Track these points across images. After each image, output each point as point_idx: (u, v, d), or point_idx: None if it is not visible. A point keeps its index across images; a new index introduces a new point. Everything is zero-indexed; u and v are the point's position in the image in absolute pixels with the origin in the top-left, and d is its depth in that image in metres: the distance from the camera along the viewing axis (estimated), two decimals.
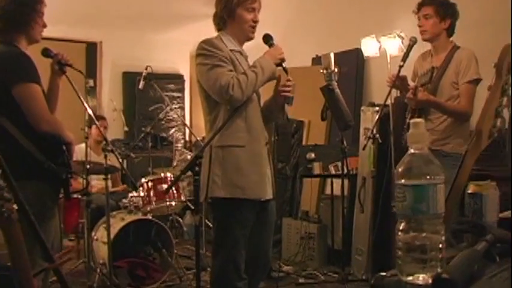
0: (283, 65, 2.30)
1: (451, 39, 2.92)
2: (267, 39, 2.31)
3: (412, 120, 0.93)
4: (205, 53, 2.09)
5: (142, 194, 3.76)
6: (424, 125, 0.94)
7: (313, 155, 4.33)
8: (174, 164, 4.81)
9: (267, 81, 2.15)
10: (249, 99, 2.09)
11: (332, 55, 2.66)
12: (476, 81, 2.78)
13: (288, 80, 2.23)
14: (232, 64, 2.09)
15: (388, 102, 3.24)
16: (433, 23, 2.82)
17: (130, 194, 3.80)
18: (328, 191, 4.34)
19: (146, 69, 4.64)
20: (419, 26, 2.88)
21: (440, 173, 0.90)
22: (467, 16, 3.06)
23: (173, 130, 6.66)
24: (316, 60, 5.36)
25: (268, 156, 2.22)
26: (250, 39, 2.23)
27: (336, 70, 2.63)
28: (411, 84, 2.95)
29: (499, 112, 1.10)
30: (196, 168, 1.97)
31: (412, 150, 0.91)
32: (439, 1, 2.82)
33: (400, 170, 0.91)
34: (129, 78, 6.59)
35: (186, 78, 6.90)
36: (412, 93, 2.67)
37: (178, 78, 6.87)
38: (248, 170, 2.06)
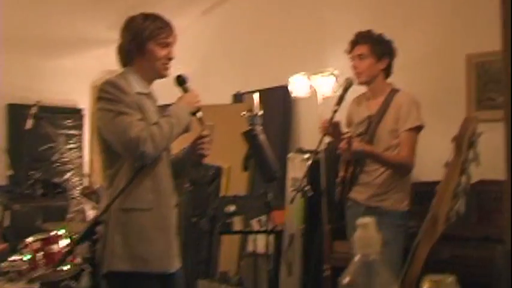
0: (198, 114, 2.10)
1: (388, 80, 2.86)
2: (181, 81, 2.14)
3: (359, 221, 0.87)
4: (108, 96, 1.95)
5: (27, 256, 3.43)
6: (374, 226, 0.87)
7: (233, 208, 4.22)
8: (69, 215, 4.40)
9: (182, 134, 2.08)
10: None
11: (256, 96, 2.66)
12: (418, 129, 2.76)
13: (204, 135, 2.18)
14: (140, 111, 1.98)
15: (320, 149, 3.18)
16: (368, 64, 2.78)
17: (12, 257, 3.47)
18: (250, 248, 4.33)
19: (35, 105, 4.21)
20: (354, 68, 2.83)
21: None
22: (406, 54, 3.08)
23: (69, 174, 6.17)
24: (238, 97, 5.39)
25: (177, 221, 2.18)
26: (162, 77, 2.12)
27: (261, 113, 2.60)
28: (346, 130, 2.92)
29: (457, 193, 1.11)
30: (94, 237, 1.84)
31: (358, 257, 0.87)
32: (375, 38, 2.79)
33: (344, 282, 0.86)
34: (16, 112, 5.94)
35: (86, 112, 6.43)
36: (346, 143, 2.58)
37: (75, 113, 6.37)
38: (154, 237, 2.00)
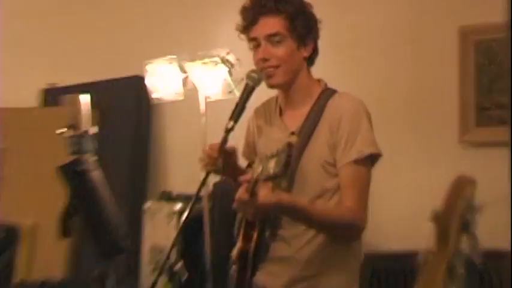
0: None
1: (320, 74, 2.98)
2: None
3: None
4: None
5: None
6: None
7: None
8: None
9: None
10: None
11: (85, 99, 2.64)
12: (371, 159, 2.85)
13: None
14: None
15: (203, 194, 3.32)
16: (287, 51, 2.85)
17: None
18: None
19: None
20: (259, 60, 2.88)
21: None
22: (357, 31, 3.24)
23: None
24: (52, 95, 5.43)
25: None
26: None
27: (94, 131, 2.64)
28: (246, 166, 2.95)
29: None
30: None
31: None
32: (294, 4, 2.86)
33: None
34: None
35: None
36: (246, 191, 2.60)
37: None
38: None
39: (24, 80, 5.61)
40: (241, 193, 2.56)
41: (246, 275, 2.84)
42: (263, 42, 2.79)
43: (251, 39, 2.84)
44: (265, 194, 2.56)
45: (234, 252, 2.92)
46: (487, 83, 3.93)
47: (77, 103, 2.66)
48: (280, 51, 2.79)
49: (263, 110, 3.03)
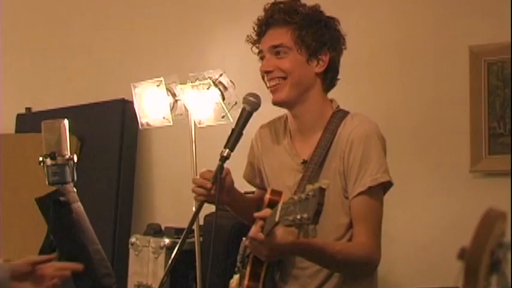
0: None
1: (329, 95, 2.93)
2: None
3: None
4: None
5: None
6: None
7: None
8: None
9: None
10: None
11: (65, 123, 2.64)
12: (383, 188, 2.82)
13: None
14: None
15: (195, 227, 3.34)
16: (293, 63, 2.81)
17: None
18: None
19: None
20: (265, 72, 2.85)
21: None
22: (374, 47, 3.20)
23: None
24: (28, 120, 5.45)
25: None
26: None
27: (75, 159, 2.66)
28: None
29: None
30: None
31: None
32: (304, 15, 2.83)
33: None
34: None
35: None
36: (258, 230, 2.55)
37: None
38: None
39: None
40: (255, 231, 2.53)
41: None
42: (267, 54, 2.80)
43: (259, 52, 2.85)
44: (281, 234, 2.52)
45: (232, 284, 2.90)
46: (500, 107, 3.92)
47: (57, 129, 2.66)
48: (284, 63, 2.78)
49: (269, 131, 3.03)
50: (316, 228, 2.47)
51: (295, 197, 2.42)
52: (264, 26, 2.82)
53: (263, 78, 2.84)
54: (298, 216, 2.38)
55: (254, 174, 3.08)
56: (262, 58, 2.84)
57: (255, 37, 2.86)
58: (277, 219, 2.43)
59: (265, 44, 2.82)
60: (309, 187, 2.37)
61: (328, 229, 2.73)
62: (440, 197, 3.80)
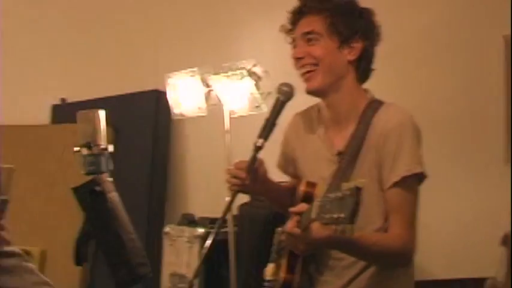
0: None
1: (363, 85, 2.92)
2: None
3: None
4: None
5: None
6: None
7: None
8: None
9: None
10: None
11: (101, 115, 2.64)
12: (418, 178, 2.80)
13: None
14: None
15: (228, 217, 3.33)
16: (325, 50, 2.80)
17: None
18: None
19: None
20: (297, 59, 2.85)
21: None
22: (404, 39, 3.19)
23: None
24: (63, 111, 5.53)
25: None
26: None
27: (111, 148, 2.66)
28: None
29: None
30: None
31: None
32: (336, 4, 2.83)
33: None
34: None
35: None
36: (294, 225, 2.55)
37: None
38: None
39: (34, 96, 5.63)
40: (291, 226, 2.54)
41: None
42: (299, 41, 2.79)
43: (292, 41, 2.86)
44: (317, 229, 2.53)
45: (267, 272, 2.92)
46: None
47: (93, 119, 2.65)
48: (315, 49, 2.75)
49: (303, 120, 3.01)
50: (353, 228, 2.49)
51: (332, 195, 2.41)
52: (297, 15, 2.82)
53: (295, 66, 2.86)
54: (335, 216, 2.40)
55: (287, 163, 3.07)
56: (295, 46, 2.85)
57: (289, 26, 2.85)
58: (313, 216, 2.45)
59: (298, 32, 2.81)
60: (345, 185, 2.36)
61: (364, 221, 2.69)
62: (476, 186, 3.79)
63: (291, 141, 3.03)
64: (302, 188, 2.79)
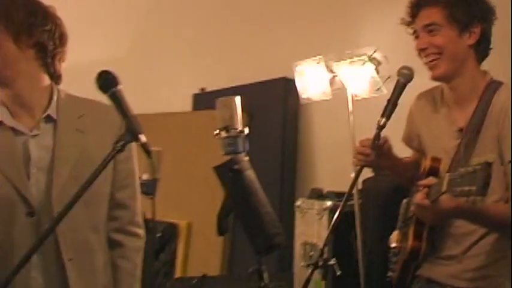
0: (141, 138, 2.12)
1: (482, 67, 2.85)
2: (106, 82, 2.09)
3: None
4: None
5: None
6: None
7: None
8: None
9: None
10: None
11: (238, 101, 2.62)
12: None
13: None
14: None
15: (354, 191, 3.33)
16: (446, 39, 2.77)
17: None
18: None
19: None
20: (421, 50, 2.82)
21: None
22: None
23: None
24: (203, 99, 5.68)
25: None
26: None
27: (247, 131, 2.61)
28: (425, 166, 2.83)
29: None
30: None
31: None
32: None
33: None
34: None
35: None
36: (423, 196, 2.54)
37: None
38: None
39: (177, 86, 5.80)
40: (421, 198, 2.54)
41: (410, 270, 2.82)
42: (421, 33, 2.78)
43: (414, 32, 2.83)
44: (445, 200, 2.51)
45: (393, 239, 2.95)
46: None
47: (230, 105, 2.65)
48: (437, 39, 2.74)
49: (427, 99, 2.99)
50: (484, 200, 2.46)
51: (462, 170, 2.39)
52: (416, 8, 2.80)
53: (419, 56, 2.83)
54: (466, 188, 2.37)
55: (412, 137, 3.06)
56: (417, 37, 2.82)
57: (408, 19, 2.84)
58: (444, 189, 2.43)
59: (419, 24, 2.78)
60: (475, 160, 2.35)
61: (492, 189, 2.69)
62: None
63: (416, 118, 3.02)
64: (428, 162, 2.78)
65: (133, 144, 2.32)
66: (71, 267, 2.38)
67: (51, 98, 2.34)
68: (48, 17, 2.37)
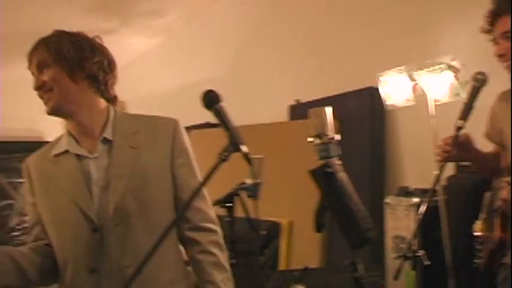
0: (243, 149, 2.10)
1: None
2: (211, 100, 2.11)
3: None
4: None
5: None
6: None
7: None
8: None
9: None
10: None
11: (329, 111, 2.64)
12: None
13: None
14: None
15: (438, 187, 3.30)
16: None
17: None
18: None
19: None
20: (501, 56, 2.78)
21: None
22: None
23: None
24: (297, 110, 5.72)
25: None
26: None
27: (338, 138, 2.63)
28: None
29: None
30: None
31: None
32: None
33: None
34: None
35: None
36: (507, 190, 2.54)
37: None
38: None
39: (275, 99, 5.86)
40: (507, 194, 2.52)
41: (497, 259, 2.79)
42: (500, 40, 2.73)
43: (492, 40, 2.79)
44: None
45: (477, 228, 2.92)
46: None
47: (322, 114, 2.68)
48: None
49: (507, 97, 2.93)
50: None
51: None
52: (494, 17, 2.76)
53: (499, 61, 2.77)
54: None
55: (494, 133, 3.00)
56: (496, 43, 2.77)
57: (488, 27, 2.79)
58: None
59: (497, 31, 2.74)
60: None
61: None
62: None
63: (498, 114, 2.96)
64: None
65: (189, 149, 2.37)
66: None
67: (107, 120, 2.34)
68: (95, 48, 2.36)
